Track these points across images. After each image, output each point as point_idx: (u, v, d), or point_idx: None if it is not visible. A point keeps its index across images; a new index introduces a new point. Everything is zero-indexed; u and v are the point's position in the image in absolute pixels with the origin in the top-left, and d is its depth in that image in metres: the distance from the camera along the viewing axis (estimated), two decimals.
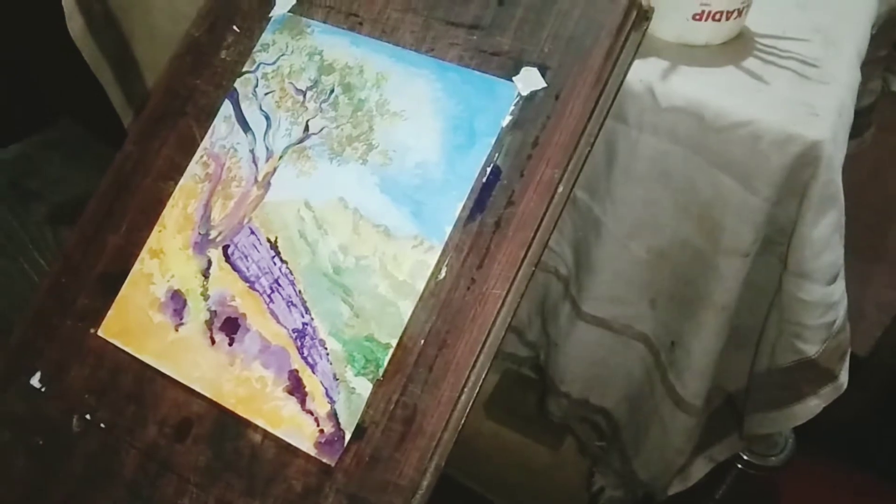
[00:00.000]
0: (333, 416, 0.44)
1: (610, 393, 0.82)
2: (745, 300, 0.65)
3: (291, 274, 0.48)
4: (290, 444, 0.45)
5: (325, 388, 0.45)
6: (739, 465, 0.87)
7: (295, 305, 0.47)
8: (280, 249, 0.49)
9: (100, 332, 0.51)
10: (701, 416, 0.74)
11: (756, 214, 0.60)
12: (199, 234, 0.51)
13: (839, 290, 0.63)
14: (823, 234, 0.59)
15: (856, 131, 0.72)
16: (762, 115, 0.58)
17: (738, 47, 0.66)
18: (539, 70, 0.46)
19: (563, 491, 1.03)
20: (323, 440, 0.44)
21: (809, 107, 0.59)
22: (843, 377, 0.68)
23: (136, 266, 0.51)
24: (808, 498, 1.06)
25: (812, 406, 0.68)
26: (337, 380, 0.45)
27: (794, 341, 0.64)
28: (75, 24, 0.81)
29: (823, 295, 0.62)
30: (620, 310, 0.74)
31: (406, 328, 0.45)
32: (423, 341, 0.44)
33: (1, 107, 0.83)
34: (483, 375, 0.43)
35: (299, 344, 0.46)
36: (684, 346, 0.70)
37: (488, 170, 0.46)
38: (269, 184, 0.50)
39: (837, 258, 0.62)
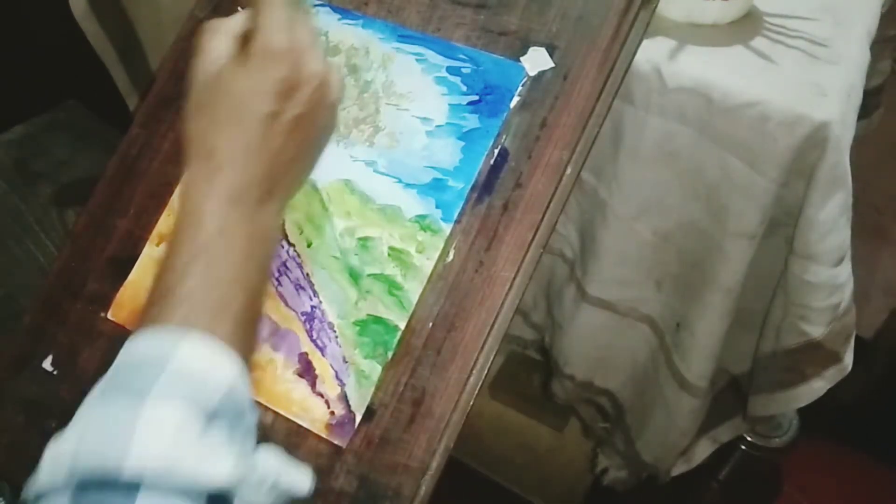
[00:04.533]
0: (343, 398, 0.45)
1: (614, 375, 0.83)
2: (751, 282, 0.66)
3: (299, 257, 0.48)
4: (300, 426, 0.45)
5: (335, 371, 0.45)
6: (743, 447, 0.87)
7: (303, 288, 0.47)
8: (287, 232, 0.49)
9: (110, 316, 0.51)
10: (705, 398, 0.74)
11: (763, 196, 0.60)
12: None
13: (845, 272, 0.63)
14: (830, 216, 0.59)
15: (864, 112, 0.71)
16: (770, 95, 0.57)
17: (747, 27, 0.65)
18: (547, 50, 0.46)
19: (567, 472, 1.03)
20: (334, 422, 0.44)
21: (818, 87, 0.58)
22: (848, 359, 0.68)
23: (146, 250, 0.51)
24: (812, 479, 1.07)
25: (816, 388, 0.69)
26: (346, 362, 0.45)
27: (799, 323, 0.64)
28: (78, 4, 0.81)
29: (829, 277, 0.62)
30: (626, 292, 0.74)
31: (414, 311, 0.45)
32: (431, 324, 0.44)
33: (6, 88, 0.82)
34: (491, 358, 0.43)
35: (308, 327, 0.47)
36: (689, 328, 0.70)
37: (496, 151, 0.45)
38: None
39: (844, 240, 0.62)
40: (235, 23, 0.40)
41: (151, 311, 0.35)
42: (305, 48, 0.39)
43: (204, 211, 0.37)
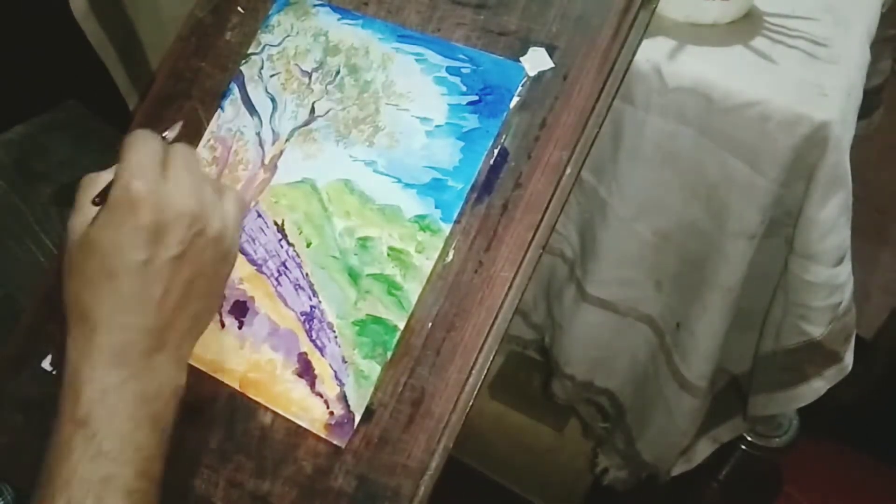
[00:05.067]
0: (343, 398, 0.45)
1: (615, 375, 0.83)
2: (751, 282, 0.66)
3: (298, 257, 0.48)
4: (299, 427, 0.45)
5: (334, 371, 0.45)
6: (743, 447, 0.88)
7: (302, 288, 0.47)
8: (287, 232, 0.49)
9: None
10: (705, 398, 0.74)
11: (763, 196, 0.60)
12: None
13: (845, 271, 0.63)
14: (830, 216, 0.59)
15: (864, 112, 0.71)
16: (770, 95, 0.57)
17: (747, 26, 0.65)
18: (547, 50, 0.46)
19: (567, 472, 1.03)
20: (333, 422, 0.44)
21: (818, 87, 0.58)
22: (848, 359, 0.68)
23: None
24: (812, 479, 1.07)
25: (816, 388, 0.69)
26: (346, 362, 0.45)
27: (799, 323, 0.64)
28: (78, 4, 0.81)
29: (829, 277, 0.62)
30: (626, 292, 0.74)
31: (413, 311, 0.45)
32: (430, 324, 0.44)
33: (6, 88, 0.82)
34: (491, 358, 0.43)
35: (308, 327, 0.47)
36: (689, 327, 0.70)
37: (496, 152, 0.45)
38: (275, 167, 0.50)
39: (844, 240, 0.62)
40: (108, 176, 0.39)
41: (36, 497, 0.34)
42: (172, 188, 0.38)
43: (83, 378, 0.35)
